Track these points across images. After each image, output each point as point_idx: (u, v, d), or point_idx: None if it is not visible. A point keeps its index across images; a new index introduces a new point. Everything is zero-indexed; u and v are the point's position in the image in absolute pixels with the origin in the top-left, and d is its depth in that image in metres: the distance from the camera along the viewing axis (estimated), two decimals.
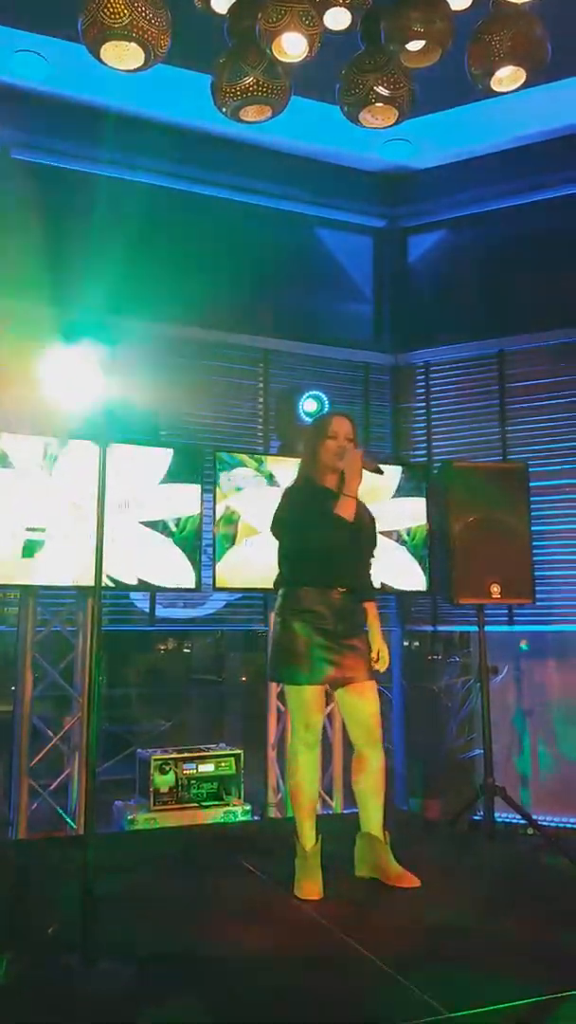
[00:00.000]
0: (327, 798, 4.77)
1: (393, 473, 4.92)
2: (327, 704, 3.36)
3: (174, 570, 4.52)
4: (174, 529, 4.54)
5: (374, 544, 3.46)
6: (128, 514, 4.46)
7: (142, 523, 4.49)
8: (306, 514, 3.25)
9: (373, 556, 3.47)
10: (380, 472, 3.35)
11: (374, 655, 3.30)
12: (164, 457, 4.59)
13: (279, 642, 3.24)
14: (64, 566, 4.23)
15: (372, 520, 3.45)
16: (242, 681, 6.11)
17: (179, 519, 4.56)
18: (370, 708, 3.24)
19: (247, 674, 6.10)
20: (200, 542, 4.60)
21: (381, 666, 3.32)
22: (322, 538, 3.20)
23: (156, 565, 4.48)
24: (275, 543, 3.38)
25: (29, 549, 4.19)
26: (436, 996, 2.26)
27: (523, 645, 5.24)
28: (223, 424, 5.29)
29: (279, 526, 3.32)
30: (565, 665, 5.18)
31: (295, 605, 3.22)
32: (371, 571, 3.45)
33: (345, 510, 3.20)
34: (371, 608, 3.39)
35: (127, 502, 4.46)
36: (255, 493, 4.68)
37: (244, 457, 4.80)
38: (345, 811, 4.65)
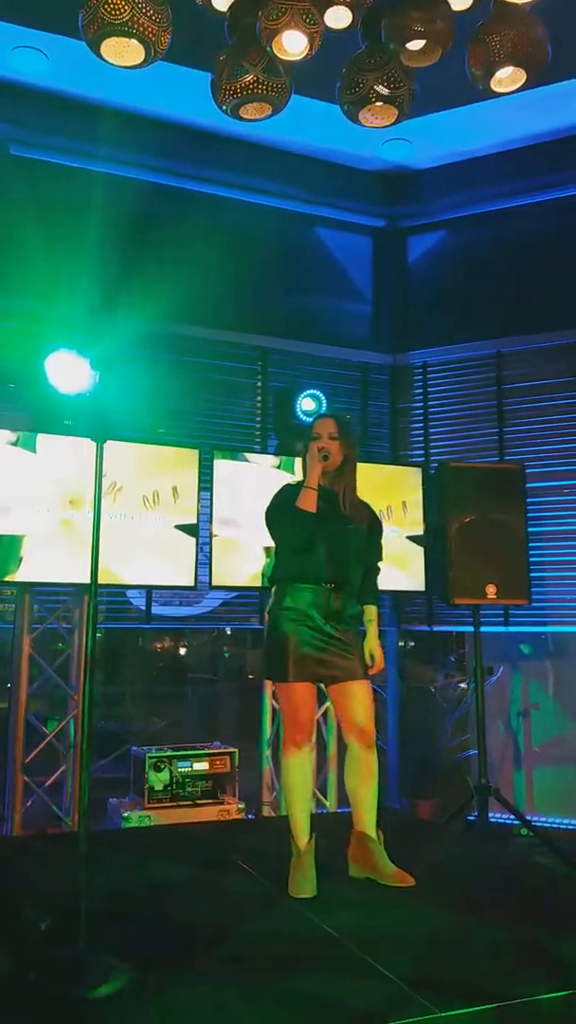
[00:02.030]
0: (321, 797, 4.77)
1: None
2: (321, 703, 3.36)
3: (173, 568, 4.52)
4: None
5: (374, 546, 3.45)
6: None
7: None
8: (280, 510, 3.33)
9: (378, 559, 3.47)
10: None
11: (367, 658, 3.30)
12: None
13: (269, 639, 3.27)
14: (61, 564, 4.23)
15: (374, 523, 3.46)
16: (237, 679, 6.11)
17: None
18: (362, 707, 3.23)
19: (242, 672, 6.10)
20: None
21: (374, 669, 3.32)
22: (295, 532, 3.25)
23: (155, 563, 4.48)
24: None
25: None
26: (428, 995, 2.26)
27: (524, 647, 5.24)
28: (221, 422, 5.29)
29: (266, 524, 3.41)
30: (560, 666, 5.19)
31: (284, 602, 3.24)
32: (374, 575, 3.46)
33: (304, 502, 3.23)
34: (370, 611, 3.39)
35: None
36: (253, 491, 4.68)
37: (242, 455, 4.81)
38: (340, 810, 4.66)
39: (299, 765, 3.22)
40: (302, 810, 3.21)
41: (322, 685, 3.29)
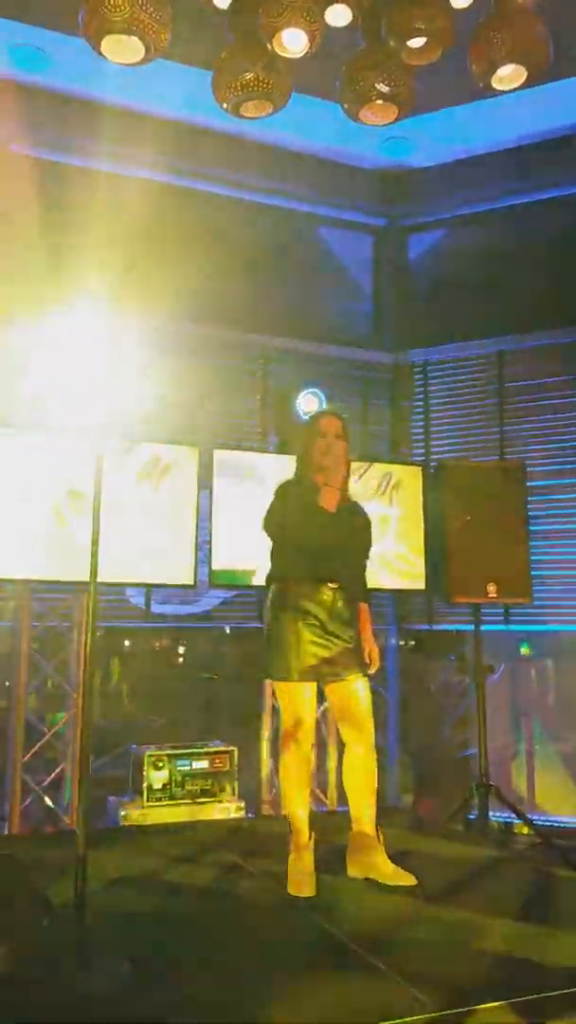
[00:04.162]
0: (321, 795, 4.77)
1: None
2: (320, 702, 3.36)
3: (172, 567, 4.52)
4: None
5: (367, 545, 3.47)
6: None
7: None
8: (291, 508, 3.28)
9: (367, 557, 3.48)
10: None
11: (365, 656, 3.30)
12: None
13: (269, 637, 3.26)
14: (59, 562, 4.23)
15: (366, 521, 3.46)
16: (237, 678, 6.10)
17: None
18: (360, 705, 3.23)
19: (242, 671, 6.09)
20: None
21: (372, 668, 3.32)
22: (307, 532, 3.23)
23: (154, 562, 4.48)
24: (268, 540, 3.39)
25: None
26: (428, 993, 2.26)
27: (524, 649, 5.24)
28: (221, 420, 5.28)
29: (267, 522, 3.34)
30: (561, 664, 5.19)
31: (285, 601, 3.23)
32: (365, 573, 3.46)
33: (327, 500, 3.22)
34: (363, 610, 3.39)
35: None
36: (251, 490, 4.68)
37: (241, 454, 4.81)
38: (340, 808, 4.66)
39: (298, 763, 3.21)
40: (301, 808, 3.21)
41: (321, 684, 3.29)
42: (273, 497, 3.37)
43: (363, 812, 3.25)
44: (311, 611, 3.19)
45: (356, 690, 3.23)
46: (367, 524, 3.46)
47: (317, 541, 3.22)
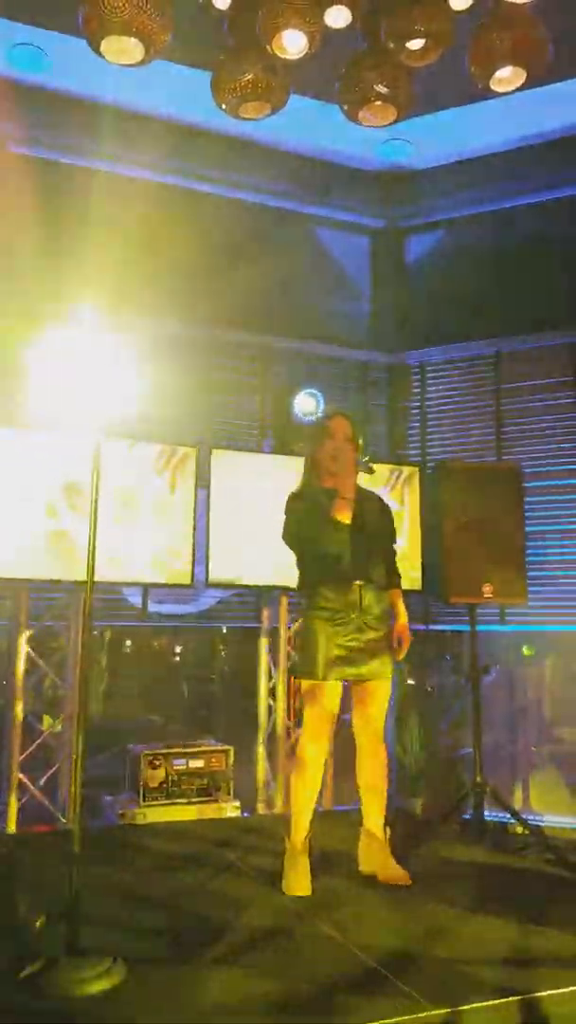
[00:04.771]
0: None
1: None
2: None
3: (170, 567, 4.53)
4: None
5: (390, 534, 3.48)
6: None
7: None
8: (308, 523, 3.30)
9: (394, 542, 3.50)
10: (371, 471, 3.37)
11: (394, 641, 3.32)
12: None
13: (303, 639, 3.30)
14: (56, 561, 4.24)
15: (383, 508, 3.47)
16: (233, 678, 6.11)
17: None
18: (381, 707, 3.32)
19: (239, 671, 6.10)
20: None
21: (400, 654, 3.33)
22: (328, 543, 3.24)
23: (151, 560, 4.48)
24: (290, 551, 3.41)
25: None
26: (422, 992, 2.27)
27: (527, 650, 5.24)
28: (219, 421, 5.28)
29: (287, 537, 3.37)
30: (556, 665, 5.20)
31: (316, 604, 3.26)
32: (393, 558, 3.47)
33: (341, 512, 3.22)
34: (395, 595, 3.41)
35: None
36: (251, 489, 4.68)
37: (239, 454, 4.81)
38: (336, 808, 4.67)
39: (314, 761, 3.23)
40: (306, 806, 3.22)
41: (347, 683, 3.31)
42: (285, 511, 3.38)
43: (372, 810, 3.30)
44: (341, 611, 3.23)
45: (378, 691, 3.29)
46: (385, 510, 3.48)
47: (337, 550, 3.24)
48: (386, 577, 3.39)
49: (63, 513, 4.28)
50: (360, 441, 3.41)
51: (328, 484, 3.30)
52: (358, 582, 3.25)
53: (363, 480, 3.44)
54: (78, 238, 4.68)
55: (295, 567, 3.40)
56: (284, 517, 3.37)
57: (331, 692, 3.21)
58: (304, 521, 3.30)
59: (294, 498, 3.38)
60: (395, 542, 3.51)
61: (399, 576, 3.48)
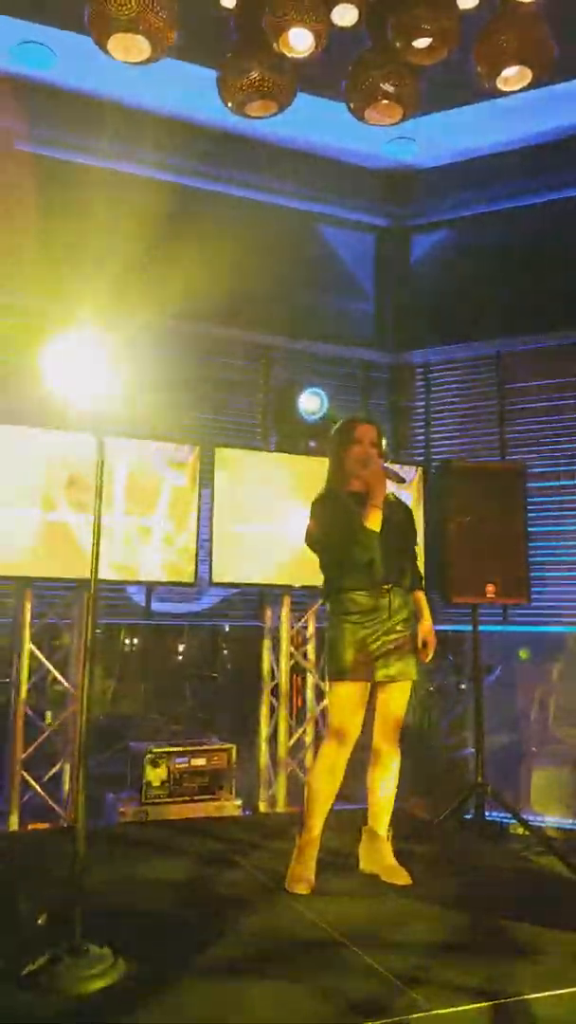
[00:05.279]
0: None
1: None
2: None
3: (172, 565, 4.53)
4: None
5: (412, 537, 3.49)
6: None
7: None
8: (336, 529, 3.27)
9: (416, 545, 3.51)
10: (402, 480, 3.37)
11: (419, 643, 3.33)
12: None
13: (330, 643, 3.29)
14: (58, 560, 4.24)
15: (407, 514, 3.47)
16: (236, 676, 6.11)
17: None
18: (401, 709, 3.31)
19: (241, 669, 6.09)
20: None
21: (426, 655, 3.34)
22: (359, 549, 3.23)
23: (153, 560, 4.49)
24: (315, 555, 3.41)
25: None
26: (421, 992, 2.27)
27: (523, 654, 5.24)
28: (223, 419, 5.29)
29: (314, 543, 3.37)
30: (559, 665, 5.19)
31: (344, 608, 3.26)
32: (416, 561, 3.48)
33: (373, 521, 3.22)
34: (419, 599, 3.42)
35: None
36: (253, 488, 4.68)
37: (242, 452, 4.81)
38: (336, 807, 4.65)
39: (336, 757, 3.22)
40: (324, 806, 3.22)
41: (373, 684, 3.29)
42: (311, 515, 3.36)
43: (380, 810, 3.32)
44: (371, 614, 3.23)
45: (401, 693, 3.29)
46: (409, 514, 3.49)
47: (369, 556, 3.23)
48: (413, 581, 3.41)
49: (65, 511, 4.29)
50: (385, 447, 3.42)
51: (356, 487, 3.29)
52: (387, 586, 3.26)
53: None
54: (82, 235, 4.68)
55: (320, 571, 3.39)
56: (309, 521, 3.36)
57: (360, 693, 3.22)
58: (332, 526, 3.29)
59: (320, 502, 3.36)
60: (416, 545, 3.52)
61: (422, 578, 3.50)
